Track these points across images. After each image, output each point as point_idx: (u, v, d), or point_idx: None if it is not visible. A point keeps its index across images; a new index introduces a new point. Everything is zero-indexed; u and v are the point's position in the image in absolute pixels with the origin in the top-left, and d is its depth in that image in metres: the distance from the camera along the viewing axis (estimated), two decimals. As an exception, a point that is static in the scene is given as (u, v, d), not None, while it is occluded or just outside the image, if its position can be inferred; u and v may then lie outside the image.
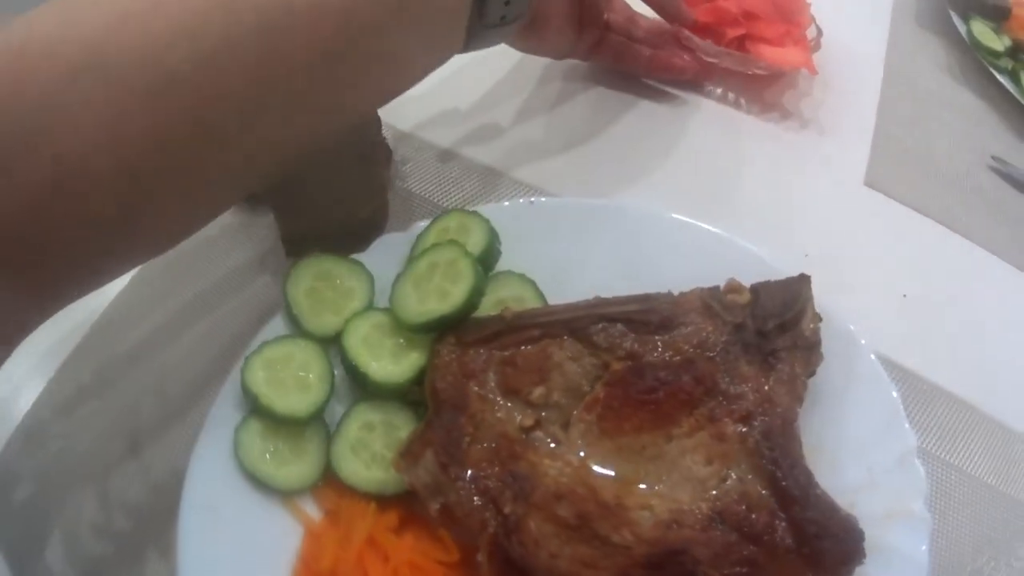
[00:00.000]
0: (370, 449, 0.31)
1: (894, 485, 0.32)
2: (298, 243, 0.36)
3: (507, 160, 0.42)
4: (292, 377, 0.32)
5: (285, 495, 0.31)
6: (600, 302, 0.32)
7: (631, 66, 0.46)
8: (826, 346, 0.34)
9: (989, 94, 0.54)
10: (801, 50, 0.45)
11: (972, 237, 0.45)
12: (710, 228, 0.37)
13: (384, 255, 0.34)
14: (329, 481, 0.31)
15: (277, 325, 0.33)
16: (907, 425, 0.33)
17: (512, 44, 0.40)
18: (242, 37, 0.23)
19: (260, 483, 0.30)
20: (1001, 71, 0.54)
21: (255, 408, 0.31)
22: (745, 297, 0.31)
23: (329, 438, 0.31)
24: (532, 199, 0.36)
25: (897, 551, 0.30)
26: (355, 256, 0.34)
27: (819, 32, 0.47)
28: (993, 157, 0.50)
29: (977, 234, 0.45)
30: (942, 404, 0.38)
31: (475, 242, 0.33)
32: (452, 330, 0.31)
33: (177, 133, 0.23)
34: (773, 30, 0.44)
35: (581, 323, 0.31)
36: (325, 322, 0.33)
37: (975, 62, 0.54)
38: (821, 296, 0.34)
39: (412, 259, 0.33)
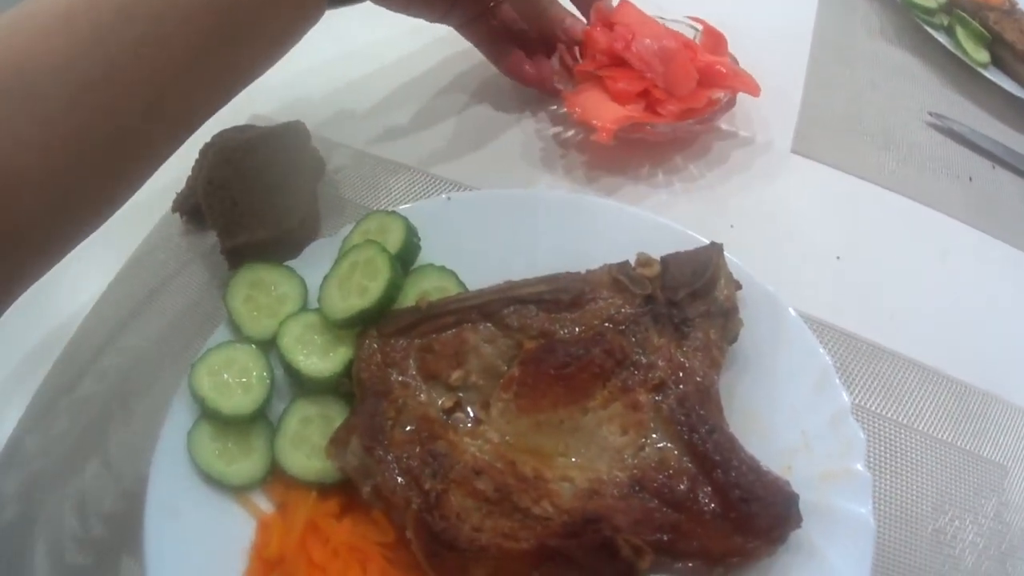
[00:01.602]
0: (309, 441, 0.33)
1: (830, 446, 0.32)
2: (239, 255, 0.37)
3: (431, 160, 0.44)
4: (235, 380, 0.33)
5: (238, 491, 0.32)
6: (511, 285, 0.32)
7: (489, 58, 0.44)
8: (751, 312, 0.34)
9: (925, 53, 0.53)
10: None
11: (908, 193, 0.44)
12: (631, 208, 0.37)
13: (314, 259, 0.36)
14: (278, 475, 0.32)
15: (222, 332, 0.35)
16: (839, 385, 0.33)
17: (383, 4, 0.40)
18: (138, 41, 0.27)
19: (215, 481, 0.32)
20: (936, 28, 0.53)
21: (204, 411, 0.33)
22: (654, 269, 0.32)
23: (273, 434, 0.33)
24: (449, 195, 0.37)
25: (839, 512, 0.30)
26: (287, 263, 0.36)
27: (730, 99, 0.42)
28: (930, 113, 0.49)
29: (914, 189, 0.45)
30: (886, 363, 0.38)
31: (393, 240, 0.34)
32: (374, 323, 0.32)
33: (95, 131, 0.27)
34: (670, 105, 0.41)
35: (494, 307, 0.31)
36: (263, 326, 0.34)
37: (910, 22, 0.54)
38: (747, 264, 0.35)
39: (337, 260, 0.34)
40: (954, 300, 0.41)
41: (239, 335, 0.35)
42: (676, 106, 0.41)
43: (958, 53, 0.52)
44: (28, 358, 0.39)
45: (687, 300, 0.31)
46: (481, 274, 0.34)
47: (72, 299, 0.41)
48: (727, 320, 0.32)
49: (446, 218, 0.36)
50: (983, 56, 0.52)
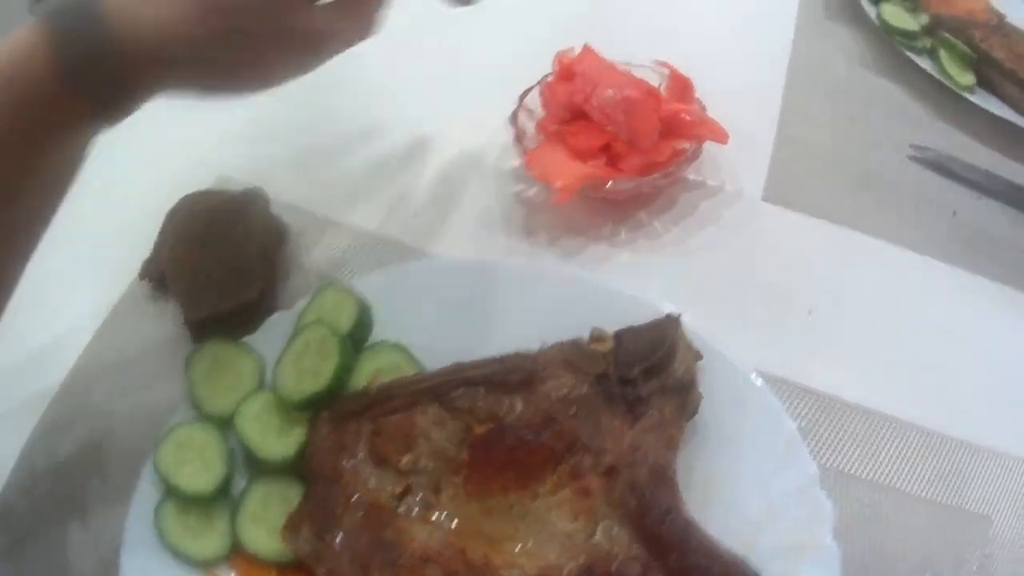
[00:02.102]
0: (269, 521, 0.31)
1: (797, 517, 0.29)
2: (201, 328, 0.36)
3: (392, 225, 0.41)
4: (196, 458, 0.32)
5: (205, 565, 0.31)
6: (460, 367, 0.30)
7: None
8: (712, 381, 0.32)
9: (907, 80, 0.48)
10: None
11: (887, 236, 0.41)
12: (590, 277, 0.34)
13: (272, 334, 0.34)
14: (241, 552, 0.31)
15: (185, 408, 0.34)
16: (806, 453, 0.31)
17: None
18: None
19: (181, 555, 0.31)
20: (919, 52, 0.49)
21: (167, 488, 0.32)
22: (607, 345, 0.29)
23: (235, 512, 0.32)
24: (403, 265, 0.34)
25: (806, 587, 0.28)
26: (246, 338, 0.34)
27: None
28: (912, 146, 0.45)
29: (893, 231, 0.41)
30: (860, 421, 0.35)
31: (346, 318, 0.32)
32: (327, 405, 0.31)
33: None
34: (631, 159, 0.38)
35: (443, 389, 0.29)
36: (223, 404, 0.33)
37: (890, 48, 0.49)
38: (713, 324, 0.32)
39: (291, 339, 0.33)
40: (936, 347, 0.37)
41: (200, 411, 0.34)
42: (638, 160, 0.37)
43: (942, 78, 0.47)
44: (11, 421, 0.39)
45: (641, 377, 0.29)
46: (437, 349, 0.32)
47: (50, 363, 0.40)
48: (685, 395, 0.29)
49: (401, 290, 0.34)
50: (968, 79, 0.48)
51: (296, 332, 0.33)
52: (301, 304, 0.34)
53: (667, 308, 0.32)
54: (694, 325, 0.32)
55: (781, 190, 0.42)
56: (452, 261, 0.35)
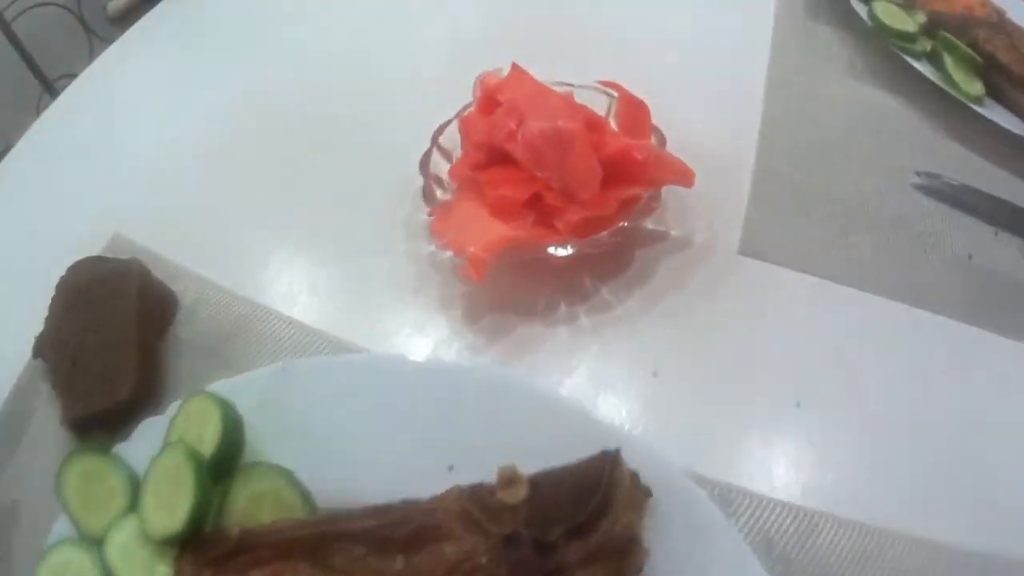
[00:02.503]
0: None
1: None
2: (82, 427, 0.28)
3: (287, 299, 0.31)
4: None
5: None
6: (334, 516, 0.20)
7: None
8: (667, 519, 0.20)
9: (906, 90, 0.35)
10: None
11: (892, 292, 0.29)
12: (510, 376, 0.24)
13: (144, 444, 0.24)
14: None
15: (63, 524, 0.26)
16: None
17: None
18: None
19: None
20: (917, 56, 0.36)
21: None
22: (520, 493, 0.19)
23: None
24: (284, 364, 0.25)
25: None
26: (119, 446, 0.26)
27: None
28: (919, 173, 0.34)
29: (899, 285, 0.29)
30: (858, 540, 0.24)
31: (210, 436, 0.23)
32: (192, 545, 0.22)
33: None
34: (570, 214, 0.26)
35: (316, 542, 0.20)
36: (97, 522, 0.24)
37: (885, 53, 0.36)
38: (675, 427, 0.22)
39: (155, 458, 0.24)
40: (957, 437, 0.26)
41: (78, 529, 0.26)
42: (578, 214, 0.25)
43: (947, 87, 0.35)
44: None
45: (564, 539, 0.19)
46: (326, 471, 0.22)
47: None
48: (624, 556, 0.19)
49: (281, 393, 0.24)
50: (976, 88, 0.35)
51: (162, 448, 0.24)
52: (174, 407, 0.26)
53: (609, 420, 0.21)
54: (646, 435, 0.21)
55: (762, 239, 0.29)
56: (341, 361, 0.25)
